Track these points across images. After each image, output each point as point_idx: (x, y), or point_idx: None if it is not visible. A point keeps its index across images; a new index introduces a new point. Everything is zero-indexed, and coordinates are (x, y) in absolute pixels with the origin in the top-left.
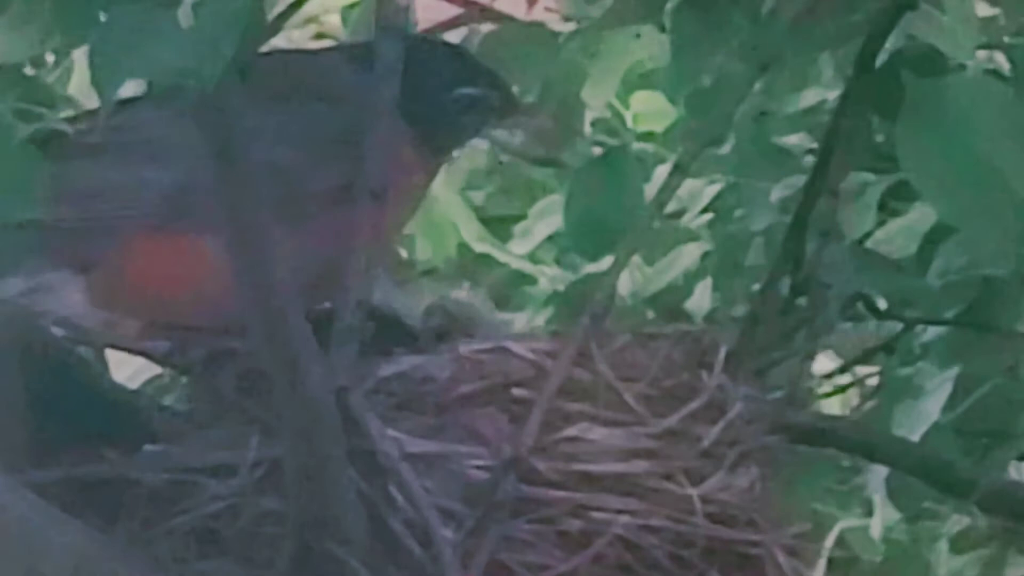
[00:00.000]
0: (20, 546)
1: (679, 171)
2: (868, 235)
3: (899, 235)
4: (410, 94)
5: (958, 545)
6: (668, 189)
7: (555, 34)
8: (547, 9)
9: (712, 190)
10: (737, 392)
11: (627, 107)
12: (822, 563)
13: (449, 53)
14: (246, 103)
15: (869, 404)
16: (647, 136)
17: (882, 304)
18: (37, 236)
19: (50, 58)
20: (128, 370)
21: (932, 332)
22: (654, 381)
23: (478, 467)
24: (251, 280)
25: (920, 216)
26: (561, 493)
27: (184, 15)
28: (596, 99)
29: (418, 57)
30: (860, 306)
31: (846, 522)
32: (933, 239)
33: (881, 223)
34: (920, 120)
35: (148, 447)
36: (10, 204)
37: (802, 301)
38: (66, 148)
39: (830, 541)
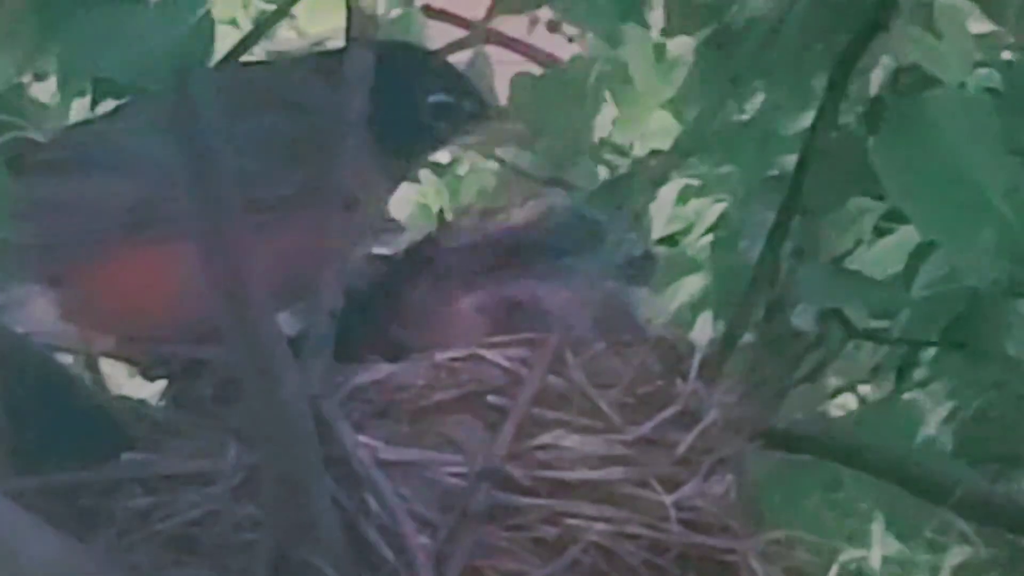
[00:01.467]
0: None
1: (659, 180)
2: (847, 255)
3: (884, 256)
4: (381, 101)
5: None
6: (644, 197)
7: (582, 79)
8: (549, 28)
9: (718, 208)
10: (712, 399)
11: None
12: None
13: (421, 59)
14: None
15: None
16: (654, 154)
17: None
18: (5, 251)
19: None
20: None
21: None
22: (629, 388)
23: (453, 474)
24: (225, 289)
25: (904, 237)
26: (536, 500)
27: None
28: (625, 138)
29: (389, 63)
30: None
31: (847, 555)
32: (917, 259)
33: (859, 242)
34: (898, 135)
35: (127, 455)
36: None
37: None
38: (31, 163)
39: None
